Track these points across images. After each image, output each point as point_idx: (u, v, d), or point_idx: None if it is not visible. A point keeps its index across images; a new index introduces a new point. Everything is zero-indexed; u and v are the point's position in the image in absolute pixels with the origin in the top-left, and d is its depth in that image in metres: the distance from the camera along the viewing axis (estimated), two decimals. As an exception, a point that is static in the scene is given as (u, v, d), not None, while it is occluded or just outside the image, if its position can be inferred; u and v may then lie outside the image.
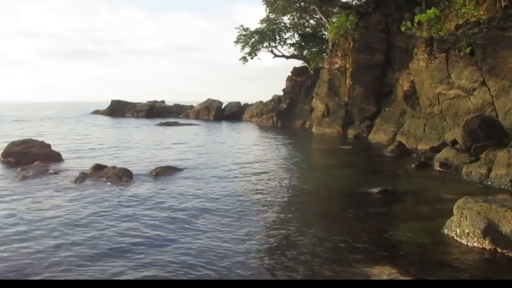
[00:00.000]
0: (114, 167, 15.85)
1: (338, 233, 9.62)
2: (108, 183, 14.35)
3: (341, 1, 38.87)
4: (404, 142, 24.12)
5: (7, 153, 19.06)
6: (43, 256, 7.96)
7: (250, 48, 46.30)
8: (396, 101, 29.94)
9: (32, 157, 18.25)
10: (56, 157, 19.12)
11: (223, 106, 58.50)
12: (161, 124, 43.74)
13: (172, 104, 67.22)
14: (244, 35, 46.01)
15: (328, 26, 35.84)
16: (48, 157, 18.69)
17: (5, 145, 19.93)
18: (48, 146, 20.16)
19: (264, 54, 54.31)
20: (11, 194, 12.72)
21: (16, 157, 18.62)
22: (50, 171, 16.22)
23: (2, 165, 17.92)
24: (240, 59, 47.04)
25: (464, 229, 8.76)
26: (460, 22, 23.96)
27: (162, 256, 8.02)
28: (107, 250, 8.30)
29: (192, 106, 63.37)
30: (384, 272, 7.21)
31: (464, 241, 8.67)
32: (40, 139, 21.62)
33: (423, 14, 24.24)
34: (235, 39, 46.26)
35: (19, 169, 15.93)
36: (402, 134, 26.12)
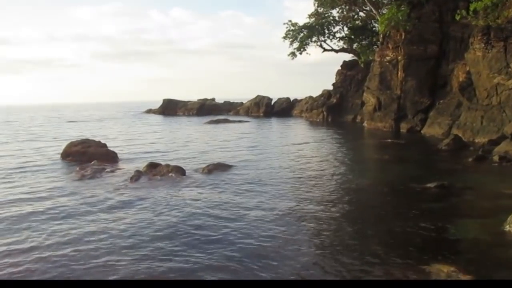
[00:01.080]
0: (167, 165, 16.31)
1: (394, 230, 9.47)
2: (162, 181, 14.77)
3: (392, -8, 37.93)
4: (460, 135, 23.33)
5: (66, 153, 20.00)
6: (115, 256, 8.35)
7: (298, 43, 46.06)
8: (451, 93, 28.98)
9: (89, 156, 19.04)
10: (112, 156, 19.85)
11: (272, 102, 58.59)
12: (211, 122, 44.40)
13: (222, 101, 68.05)
14: (292, 30, 45.84)
15: (379, 18, 35.08)
16: (105, 156, 19.43)
17: (65, 145, 20.95)
18: (104, 145, 20.96)
19: (313, 49, 54.15)
20: (70, 192, 13.35)
21: (74, 156, 19.50)
22: (107, 169, 16.88)
23: (62, 164, 18.80)
24: (289, 55, 46.93)
25: (526, 225, 8.40)
26: (520, 9, 22.82)
27: (221, 252, 8.19)
28: (168, 245, 8.58)
29: (241, 103, 63.88)
30: (442, 271, 7.04)
31: (527, 239, 8.33)
32: (96, 139, 22.53)
33: (479, 2, 23.24)
34: (284, 35, 46.20)
35: (77, 168, 16.70)
36: (458, 127, 25.25)
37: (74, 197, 12.71)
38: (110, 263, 7.75)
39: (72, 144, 20.68)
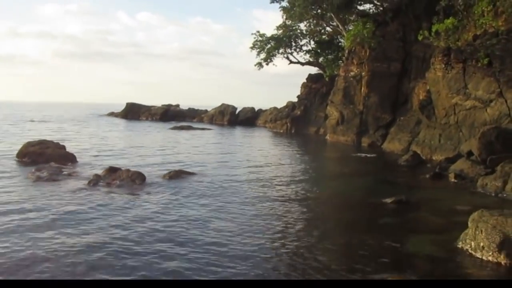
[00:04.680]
0: (127, 170, 15.93)
1: (350, 243, 9.54)
2: (122, 186, 14.41)
3: (358, 9, 38.77)
4: (419, 152, 23.90)
5: (23, 153, 19.28)
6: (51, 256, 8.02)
7: (265, 54, 46.37)
8: (411, 111, 29.72)
9: (47, 157, 18.43)
10: (71, 159, 19.28)
11: (237, 112, 58.64)
12: (175, 128, 43.97)
13: (186, 108, 67.58)
14: (260, 41, 46.13)
15: (345, 34, 35.78)
16: (63, 158, 18.85)
17: (21, 145, 20.21)
18: (63, 147, 20.37)
19: (279, 60, 54.47)
20: (23, 195, 12.83)
21: (31, 157, 18.83)
22: (64, 172, 16.37)
23: (18, 165, 18.11)
24: (255, 65, 47.15)
25: (479, 242, 8.61)
26: (478, 33, 23.70)
27: (171, 262, 8.02)
28: (112, 252, 8.34)
29: (206, 111, 63.63)
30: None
31: (479, 255, 8.52)
32: (55, 140, 21.85)
33: (441, 24, 24.06)
34: (251, 45, 46.46)
35: (33, 170, 16.08)
36: (417, 144, 25.88)
37: (26, 200, 12.16)
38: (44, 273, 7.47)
39: (29, 144, 19.96)
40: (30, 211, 10.99)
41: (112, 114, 68.93)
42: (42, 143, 20.21)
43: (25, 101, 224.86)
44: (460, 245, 9.10)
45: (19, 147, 20.11)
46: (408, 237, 9.97)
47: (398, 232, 10.41)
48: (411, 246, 9.36)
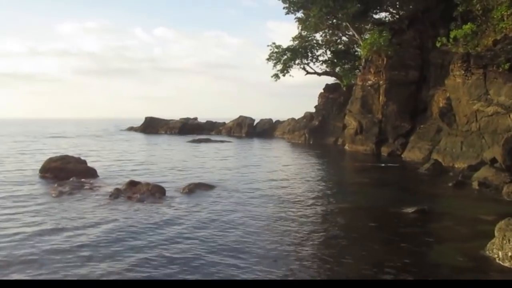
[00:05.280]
0: (147, 184, 15.99)
1: (372, 254, 9.35)
2: (141, 200, 14.44)
3: (374, 18, 38.68)
4: (440, 160, 23.53)
5: (45, 168, 19.54)
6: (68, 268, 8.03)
7: (282, 65, 46.32)
8: (431, 119, 29.36)
9: (68, 173, 18.62)
10: (92, 173, 19.47)
11: (255, 123, 58.71)
12: (193, 141, 44.15)
13: (204, 121, 67.90)
14: (276, 52, 46.14)
15: (361, 43, 35.64)
16: (84, 173, 19.04)
17: (43, 161, 20.50)
18: (84, 162, 20.57)
19: (296, 71, 54.19)
20: (47, 209, 12.96)
21: (53, 172, 19.05)
22: (86, 186, 16.51)
23: (40, 181, 18.35)
24: (272, 76, 47.11)
25: (507, 252, 8.37)
26: (498, 38, 23.39)
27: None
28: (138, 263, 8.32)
29: (224, 123, 63.84)
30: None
31: (507, 264, 8.28)
32: (76, 155, 22.11)
33: (459, 30, 23.81)
34: (267, 57, 46.44)
35: (55, 185, 16.28)
36: (438, 152, 25.49)
37: (50, 214, 12.32)
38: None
39: (51, 160, 20.21)
40: (53, 226, 11.06)
41: (131, 129, 69.66)
42: (64, 159, 20.44)
43: (45, 118, 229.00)
44: (486, 254, 8.86)
45: (41, 163, 20.40)
46: (432, 247, 9.75)
47: (422, 242, 10.17)
48: (436, 255, 9.15)
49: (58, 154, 22.34)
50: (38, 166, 20.35)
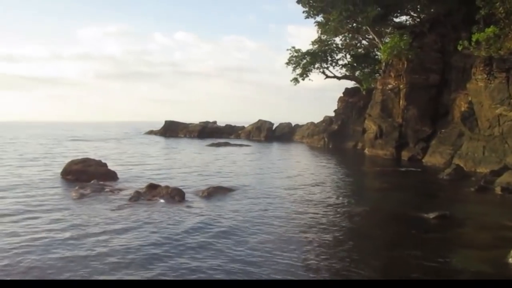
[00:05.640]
0: (167, 187, 16.13)
1: (392, 259, 9.28)
2: (161, 203, 14.58)
3: (394, 21, 38.35)
4: (462, 165, 23.21)
5: (67, 171, 19.88)
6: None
7: (301, 69, 46.20)
8: (452, 123, 28.97)
9: (89, 175, 18.91)
10: (112, 176, 19.73)
11: (274, 127, 58.71)
12: (212, 145, 44.32)
13: (223, 124, 68.11)
14: (295, 56, 46.06)
15: (381, 47, 35.36)
16: (105, 176, 19.31)
17: (65, 163, 20.86)
18: (105, 165, 20.84)
19: (315, 75, 54.00)
20: (68, 212, 13.17)
21: (74, 175, 19.37)
22: (106, 189, 16.73)
23: (62, 183, 18.66)
24: (291, 80, 46.96)
25: (530, 259, 8.21)
26: (522, 41, 22.97)
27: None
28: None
29: (243, 127, 63.96)
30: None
31: (530, 273, 8.13)
32: (97, 158, 22.42)
33: (482, 33, 23.42)
34: (287, 61, 46.38)
35: (77, 187, 16.53)
36: (459, 157, 25.14)
37: (72, 216, 12.52)
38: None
39: (72, 163, 20.57)
40: (74, 229, 11.24)
41: (151, 132, 70.24)
42: (85, 161, 20.76)
43: (67, 121, 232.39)
44: (510, 261, 8.70)
45: (63, 165, 20.75)
46: (453, 253, 9.62)
47: (443, 248, 10.05)
48: (458, 262, 9.02)
49: (79, 157, 22.72)
50: (60, 168, 20.71)
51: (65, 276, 7.98)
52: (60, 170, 20.32)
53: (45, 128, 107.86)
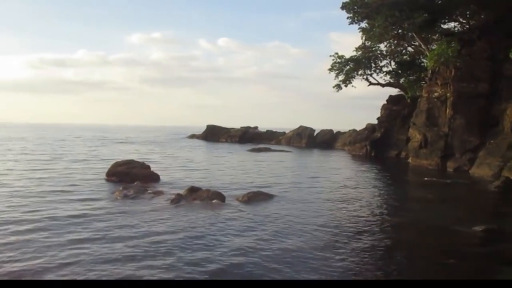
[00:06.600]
0: (207, 190, 16.33)
1: (435, 272, 8.95)
2: (201, 206, 14.72)
3: (442, 28, 37.37)
4: (511, 178, 22.23)
5: (111, 172, 20.41)
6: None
7: (344, 76, 45.77)
8: (502, 134, 27.85)
9: (133, 177, 19.37)
10: (155, 178, 20.14)
11: (315, 134, 58.33)
12: (253, 150, 44.48)
13: (264, 130, 68.29)
14: (338, 62, 45.67)
15: (428, 54, 34.52)
16: (148, 178, 19.74)
17: (110, 165, 21.45)
18: (148, 167, 21.29)
19: (358, 82, 53.34)
20: (112, 212, 13.51)
21: (119, 176, 19.89)
22: (149, 191, 17.05)
23: (106, 184, 19.18)
24: (334, 87, 46.56)
25: None
26: None
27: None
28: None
29: (284, 133, 63.92)
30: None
31: None
32: (140, 160, 22.92)
33: (536, 41, 22.48)
34: (329, 67, 46.05)
35: (120, 188, 16.95)
36: (509, 169, 24.09)
37: (115, 217, 12.84)
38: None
39: (117, 164, 21.13)
40: (118, 228, 11.50)
41: (193, 136, 71.32)
42: (129, 163, 21.27)
43: (113, 124, 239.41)
44: None
45: (108, 166, 21.32)
46: (502, 269, 9.22)
47: (490, 263, 9.65)
48: (506, 278, 8.60)
49: (124, 159, 23.29)
50: (105, 169, 21.29)
51: (110, 277, 8.14)
52: (104, 172, 20.88)
53: (92, 130, 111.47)
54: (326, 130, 59.26)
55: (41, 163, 26.61)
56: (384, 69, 46.74)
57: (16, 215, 12.53)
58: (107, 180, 19.93)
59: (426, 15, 33.17)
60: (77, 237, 10.52)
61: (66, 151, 37.49)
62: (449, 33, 35.76)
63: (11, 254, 9.12)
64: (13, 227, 11.20)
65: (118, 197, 15.78)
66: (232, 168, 27.78)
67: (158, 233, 11.14)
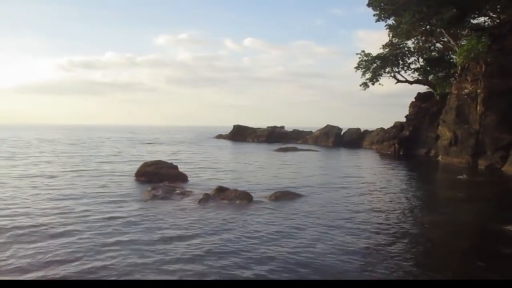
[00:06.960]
0: (235, 190, 16.45)
1: (468, 275, 8.81)
2: (229, 205, 14.84)
3: (471, 23, 36.59)
4: (546, 175, 21.65)
5: (140, 172, 20.78)
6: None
7: (371, 74, 45.27)
8: (536, 130, 27.11)
9: (161, 177, 19.67)
10: (183, 178, 20.38)
11: (342, 133, 57.92)
12: (280, 149, 44.47)
13: (291, 129, 68.20)
14: (365, 60, 45.20)
15: (457, 49, 33.89)
16: (176, 178, 20.02)
17: (139, 165, 21.83)
18: (176, 167, 21.57)
19: (385, 80, 52.65)
20: (141, 213, 13.74)
21: (147, 176, 20.24)
22: (177, 191, 17.27)
23: (135, 184, 19.53)
24: (360, 85, 46.09)
25: None
26: None
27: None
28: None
29: (310, 132, 63.68)
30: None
31: None
32: (168, 160, 23.25)
33: None
34: (356, 65, 45.62)
35: (149, 188, 17.23)
36: (543, 166, 23.46)
37: (146, 216, 13.09)
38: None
39: (145, 165, 21.49)
40: (147, 229, 11.71)
41: (220, 136, 71.78)
42: (157, 164, 21.60)
43: (141, 125, 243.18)
44: None
45: (137, 167, 21.70)
46: (537, 270, 8.97)
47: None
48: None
49: (152, 159, 23.67)
50: (134, 169, 21.67)
51: (137, 277, 8.30)
52: (134, 172, 21.26)
53: (120, 131, 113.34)
54: (353, 129, 58.76)
55: (71, 164, 27.18)
56: (412, 66, 46.15)
57: (50, 216, 12.86)
58: (136, 180, 20.29)
59: (455, 10, 32.57)
60: (110, 240, 10.73)
61: (95, 152, 38.31)
62: (479, 28, 34.99)
63: (58, 255, 9.35)
64: (46, 229, 11.51)
65: (147, 197, 16.04)
66: (260, 167, 27.87)
67: (186, 234, 11.23)
